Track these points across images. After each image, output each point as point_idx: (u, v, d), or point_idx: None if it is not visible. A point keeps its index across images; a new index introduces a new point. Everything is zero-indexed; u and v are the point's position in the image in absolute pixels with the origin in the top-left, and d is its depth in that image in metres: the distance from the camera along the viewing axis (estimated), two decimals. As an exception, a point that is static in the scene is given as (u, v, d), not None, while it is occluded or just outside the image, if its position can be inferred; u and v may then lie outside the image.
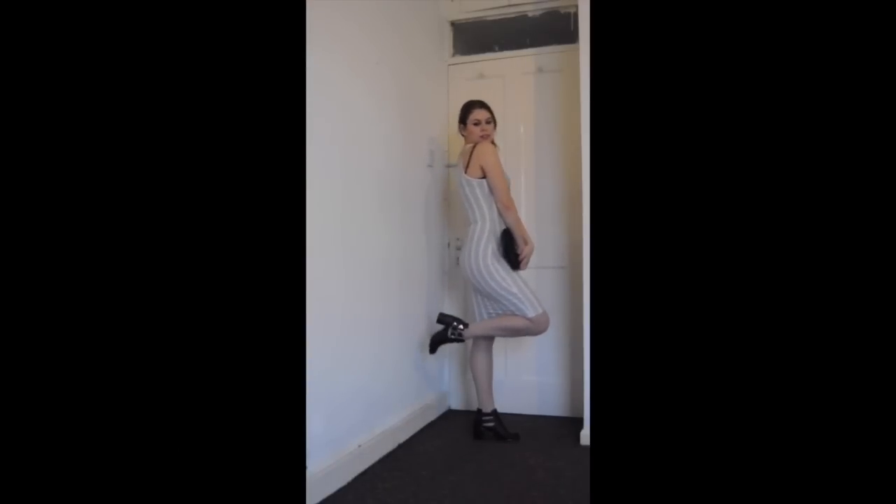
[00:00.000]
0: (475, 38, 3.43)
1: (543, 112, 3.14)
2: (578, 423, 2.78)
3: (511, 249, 2.65)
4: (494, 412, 2.75)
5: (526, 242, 2.67)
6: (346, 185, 2.28)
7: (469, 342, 2.84)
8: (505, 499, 2.06)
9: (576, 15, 2.85)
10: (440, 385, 3.20)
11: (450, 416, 3.14)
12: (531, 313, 2.62)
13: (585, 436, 2.65)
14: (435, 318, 2.83)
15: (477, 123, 2.72)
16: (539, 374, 3.11)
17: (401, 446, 2.63)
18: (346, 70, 2.28)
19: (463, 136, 2.78)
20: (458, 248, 3.02)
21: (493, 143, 2.75)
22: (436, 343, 2.77)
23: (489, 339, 2.77)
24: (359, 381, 2.37)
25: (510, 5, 3.17)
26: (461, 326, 2.72)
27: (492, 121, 2.74)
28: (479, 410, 2.76)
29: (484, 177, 2.67)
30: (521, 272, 2.69)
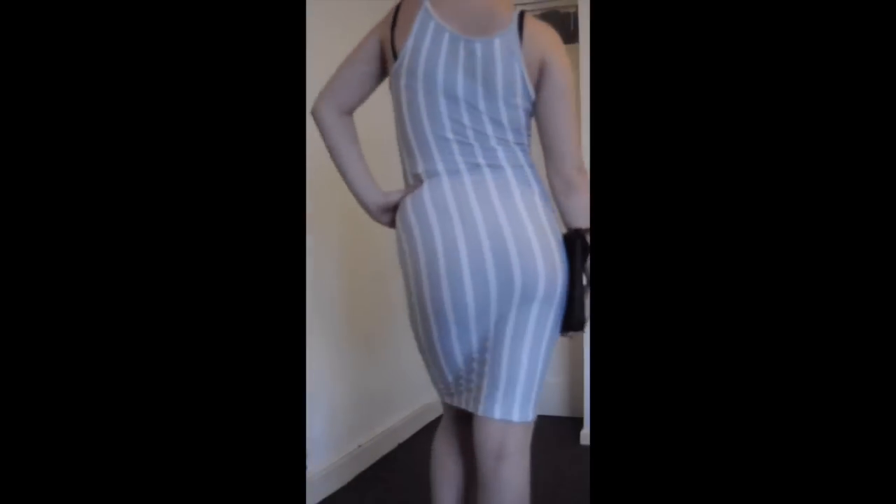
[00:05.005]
0: (475, 38, 3.42)
1: (543, 112, 3.13)
2: (578, 423, 2.78)
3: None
4: None
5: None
6: (345, 186, 2.28)
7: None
8: (505, 499, 2.05)
9: (576, 15, 2.85)
10: (440, 385, 3.20)
11: (450, 416, 3.14)
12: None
13: (585, 436, 2.65)
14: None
15: None
16: (539, 374, 3.11)
17: (401, 446, 2.63)
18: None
19: None
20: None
21: None
22: None
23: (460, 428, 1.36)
24: (359, 382, 2.37)
25: (510, 5, 3.17)
26: None
27: None
28: None
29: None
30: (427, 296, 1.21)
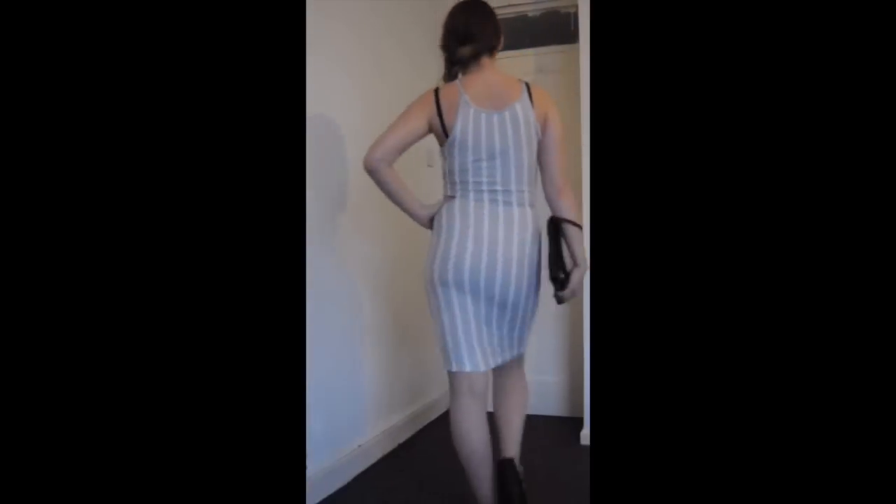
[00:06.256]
0: (475, 38, 3.42)
1: (543, 112, 3.13)
2: (578, 423, 2.78)
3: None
4: None
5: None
6: (345, 185, 2.28)
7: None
8: (505, 499, 2.05)
9: (576, 15, 2.85)
10: (440, 385, 3.20)
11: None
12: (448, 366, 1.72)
13: (585, 436, 2.65)
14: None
15: None
16: (538, 374, 3.11)
17: (401, 446, 2.63)
18: (345, 71, 2.29)
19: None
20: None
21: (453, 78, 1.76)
22: None
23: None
24: (359, 381, 2.37)
25: (510, 5, 3.17)
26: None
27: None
28: None
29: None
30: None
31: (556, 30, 3.19)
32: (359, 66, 2.40)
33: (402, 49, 2.81)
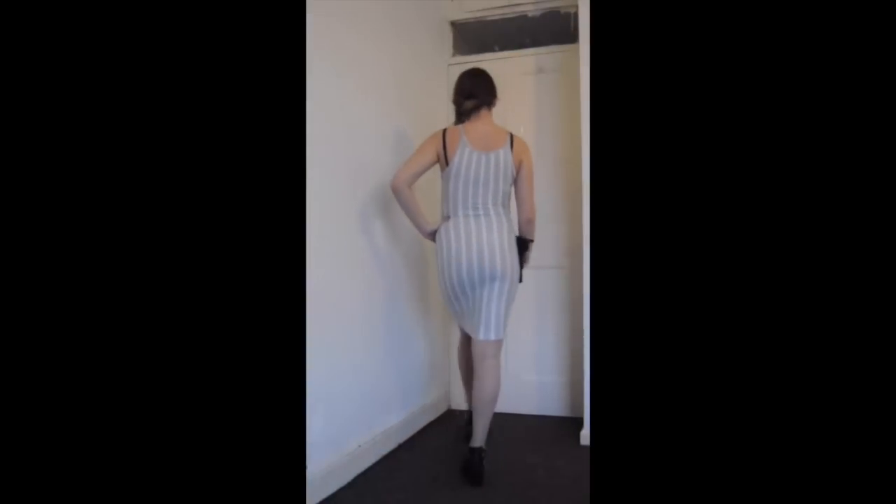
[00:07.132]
0: (475, 38, 3.43)
1: (543, 112, 3.14)
2: (578, 423, 2.78)
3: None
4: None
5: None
6: (345, 185, 2.28)
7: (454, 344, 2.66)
8: (505, 499, 2.06)
9: (576, 15, 2.85)
10: (440, 385, 3.20)
11: (450, 415, 3.14)
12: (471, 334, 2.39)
13: (585, 436, 2.65)
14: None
15: None
16: (539, 374, 3.11)
17: (401, 446, 2.63)
18: (346, 70, 2.28)
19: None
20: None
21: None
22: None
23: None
24: (359, 381, 2.37)
25: (510, 5, 3.17)
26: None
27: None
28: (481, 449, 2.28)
29: None
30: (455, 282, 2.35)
31: (556, 30, 3.19)
32: (360, 55, 2.40)
33: (402, 36, 2.81)
